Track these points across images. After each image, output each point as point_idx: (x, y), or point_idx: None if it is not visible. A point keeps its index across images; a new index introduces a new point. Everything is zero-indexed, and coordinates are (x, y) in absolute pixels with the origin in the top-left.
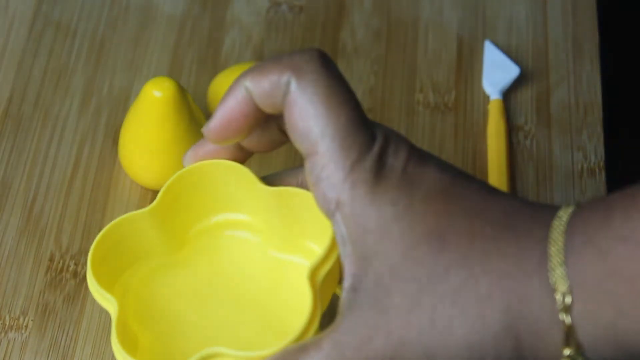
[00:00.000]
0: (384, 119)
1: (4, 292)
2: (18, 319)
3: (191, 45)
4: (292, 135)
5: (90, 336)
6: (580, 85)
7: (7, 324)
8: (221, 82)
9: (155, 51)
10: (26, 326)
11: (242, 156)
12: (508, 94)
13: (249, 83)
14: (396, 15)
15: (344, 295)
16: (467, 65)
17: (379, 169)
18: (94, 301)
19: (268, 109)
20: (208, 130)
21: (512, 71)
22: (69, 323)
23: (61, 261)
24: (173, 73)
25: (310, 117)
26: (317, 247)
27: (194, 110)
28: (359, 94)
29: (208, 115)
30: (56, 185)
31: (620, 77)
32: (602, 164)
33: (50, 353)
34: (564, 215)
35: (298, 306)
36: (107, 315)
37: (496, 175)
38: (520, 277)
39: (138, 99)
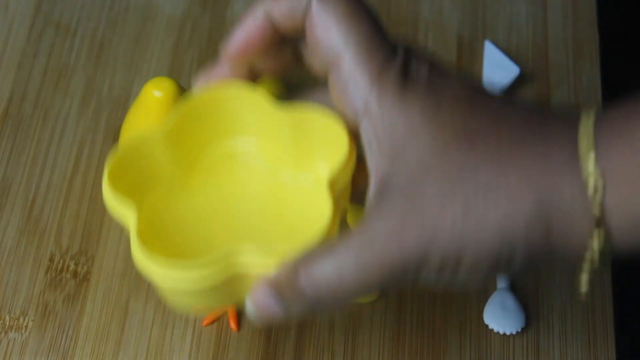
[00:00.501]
0: None
1: (4, 292)
2: (18, 319)
3: (191, 45)
4: (316, 51)
5: (90, 336)
6: (580, 85)
7: (7, 324)
8: None
9: (155, 51)
10: (26, 326)
11: (253, 79)
12: (508, 94)
13: (268, 4)
14: (396, 15)
15: (370, 200)
16: (467, 65)
17: (404, 77)
18: (94, 301)
19: (287, 28)
20: (226, 48)
21: (512, 71)
22: (69, 323)
23: (61, 261)
24: (173, 73)
25: (333, 30)
26: (328, 167)
27: None
28: None
29: None
30: (56, 185)
31: (620, 77)
32: None
33: (50, 353)
34: (590, 112)
35: (316, 217)
36: (107, 315)
37: None
38: (550, 171)
39: (138, 99)
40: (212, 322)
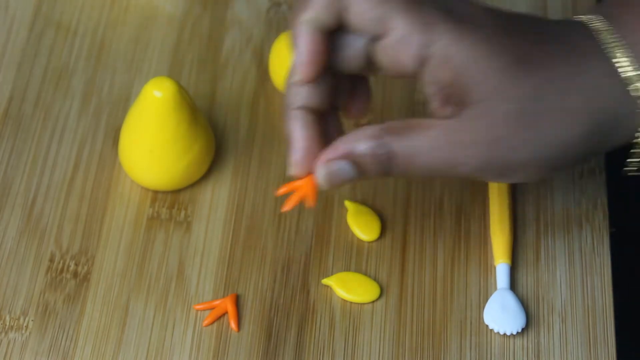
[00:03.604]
0: (384, 118)
1: (4, 293)
2: (18, 319)
3: (191, 45)
4: (362, 23)
5: (90, 336)
6: None
7: (8, 324)
8: (283, 44)
9: (155, 51)
10: (26, 326)
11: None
12: None
13: (305, 16)
14: None
15: (435, 106)
16: None
17: (451, 17)
18: (94, 301)
19: (333, 24)
20: (298, 67)
21: None
22: (69, 323)
23: (61, 261)
24: (173, 73)
25: (373, 5)
26: None
27: (194, 110)
28: None
29: (216, 110)
30: (56, 185)
31: None
32: (602, 164)
33: (51, 353)
34: (595, 21)
35: None
36: (107, 315)
37: None
38: (597, 82)
39: (138, 99)
40: (212, 322)
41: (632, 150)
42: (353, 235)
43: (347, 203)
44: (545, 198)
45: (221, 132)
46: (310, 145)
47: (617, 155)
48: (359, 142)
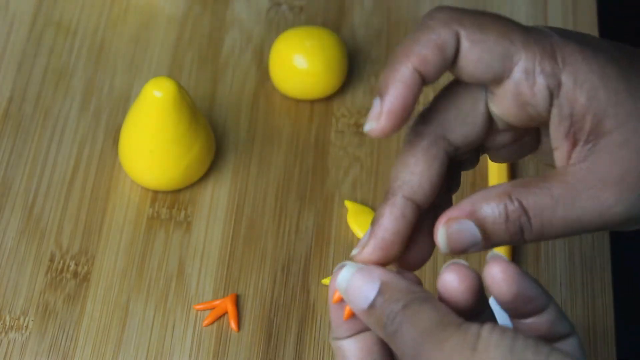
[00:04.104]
0: None
1: (4, 293)
2: (18, 319)
3: (191, 45)
4: (479, 67)
5: (90, 336)
6: None
7: (8, 324)
8: (283, 44)
9: (155, 51)
10: (26, 326)
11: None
12: None
13: (412, 57)
14: (396, 15)
15: (564, 150)
16: None
17: (573, 41)
18: (94, 301)
19: (435, 70)
20: (380, 114)
21: None
22: (69, 323)
23: (61, 261)
24: (173, 73)
25: (487, 51)
26: None
27: (194, 110)
28: (360, 94)
29: (216, 110)
30: (56, 185)
31: None
32: None
33: (51, 353)
34: None
35: None
36: (107, 315)
37: (496, 174)
38: None
39: (138, 99)
40: (212, 322)
41: None
42: (353, 235)
43: (347, 203)
44: None
45: (221, 132)
46: (396, 241)
47: None
48: (486, 199)
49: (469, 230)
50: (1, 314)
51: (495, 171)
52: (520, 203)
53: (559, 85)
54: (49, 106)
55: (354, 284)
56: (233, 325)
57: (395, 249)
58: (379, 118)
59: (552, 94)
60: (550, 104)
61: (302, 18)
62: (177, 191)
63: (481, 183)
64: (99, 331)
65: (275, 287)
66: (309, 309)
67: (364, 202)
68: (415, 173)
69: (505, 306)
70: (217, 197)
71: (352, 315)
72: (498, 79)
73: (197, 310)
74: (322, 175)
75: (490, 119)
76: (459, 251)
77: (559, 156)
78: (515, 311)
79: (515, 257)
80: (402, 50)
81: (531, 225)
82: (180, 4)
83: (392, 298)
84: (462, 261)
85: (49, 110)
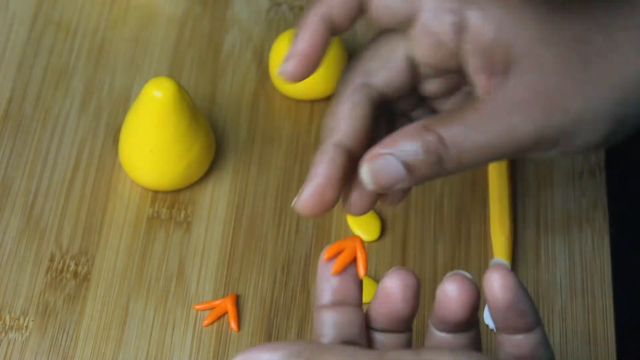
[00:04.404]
0: None
1: (4, 293)
2: (18, 319)
3: (191, 45)
4: (387, 11)
5: (90, 336)
6: None
7: (8, 324)
8: (283, 44)
9: (155, 51)
10: (26, 326)
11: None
12: None
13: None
14: None
15: (489, 82)
16: None
17: None
18: (94, 301)
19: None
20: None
21: None
22: (69, 323)
23: (61, 261)
24: (173, 73)
25: None
26: None
27: (194, 110)
28: None
29: (216, 110)
30: (56, 185)
31: None
32: (602, 164)
33: (51, 353)
34: None
35: None
36: (107, 315)
37: (496, 174)
38: None
39: (138, 99)
40: (212, 322)
41: None
42: (353, 235)
43: None
44: (545, 198)
45: (221, 132)
46: (329, 184)
47: (617, 155)
48: (405, 134)
49: (392, 165)
50: (1, 314)
51: (496, 170)
52: (437, 134)
53: (465, 21)
54: (49, 106)
55: None
56: (233, 325)
57: (330, 193)
58: (287, 61)
59: (460, 30)
60: (460, 41)
61: None
62: (177, 191)
63: (482, 182)
64: (99, 331)
65: (275, 287)
66: (309, 309)
67: None
68: (340, 119)
69: (497, 315)
70: (217, 197)
71: (340, 271)
72: (408, 21)
73: (197, 310)
74: None
75: (412, 63)
76: (385, 187)
77: (479, 92)
78: (506, 324)
79: (516, 257)
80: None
81: (449, 154)
82: (180, 4)
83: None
84: (466, 273)
85: (49, 110)
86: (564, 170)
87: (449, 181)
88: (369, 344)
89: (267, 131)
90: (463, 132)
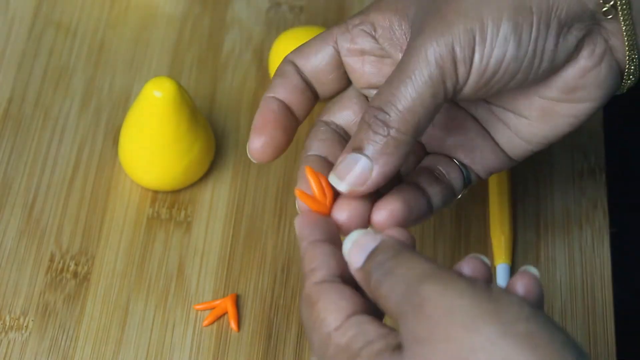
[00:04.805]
0: None
1: (4, 293)
2: (18, 319)
3: (191, 45)
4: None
5: (90, 336)
6: None
7: (8, 324)
8: (283, 44)
9: (155, 51)
10: (26, 326)
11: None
12: None
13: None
14: None
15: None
16: None
17: None
18: (94, 301)
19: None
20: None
21: None
22: (69, 323)
23: (61, 261)
24: (173, 73)
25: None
26: None
27: (194, 110)
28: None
29: (216, 110)
30: (56, 185)
31: None
32: (602, 164)
33: (51, 353)
34: None
35: None
36: (107, 315)
37: (496, 174)
38: None
39: (138, 99)
40: (212, 322)
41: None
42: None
43: None
44: (545, 198)
45: (221, 132)
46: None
47: (617, 155)
48: (353, 133)
49: (352, 159)
50: (1, 314)
51: None
52: (373, 106)
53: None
54: (49, 106)
55: (359, 240)
56: (233, 325)
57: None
58: (251, 144)
59: (372, 36)
60: (376, 43)
61: (302, 18)
62: (177, 191)
63: (482, 182)
64: (99, 331)
65: (275, 287)
66: None
67: None
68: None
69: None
70: (217, 197)
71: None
72: (340, 65)
73: (197, 310)
74: None
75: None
76: (358, 182)
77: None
78: None
79: (516, 257)
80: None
81: (387, 113)
82: (180, 4)
83: (385, 249)
84: (482, 256)
85: (49, 110)
86: (564, 170)
87: None
88: None
89: None
90: (389, 89)
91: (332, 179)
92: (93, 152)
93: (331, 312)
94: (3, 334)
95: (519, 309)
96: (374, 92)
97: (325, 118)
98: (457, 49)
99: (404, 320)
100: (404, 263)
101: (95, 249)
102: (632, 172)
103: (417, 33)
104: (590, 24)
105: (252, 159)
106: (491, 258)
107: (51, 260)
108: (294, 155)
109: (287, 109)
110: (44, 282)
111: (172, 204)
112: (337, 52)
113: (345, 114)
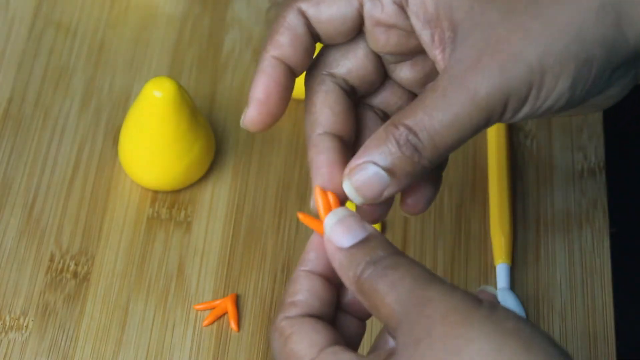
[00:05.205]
0: None
1: (4, 293)
2: (18, 319)
3: (191, 45)
4: (334, 26)
5: (90, 336)
6: None
7: (8, 324)
8: None
9: (155, 51)
10: (26, 326)
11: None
12: None
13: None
14: None
15: (442, 56)
16: None
17: None
18: (94, 301)
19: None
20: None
21: None
22: (69, 323)
23: (61, 261)
24: (173, 73)
25: (333, 7)
26: None
27: (194, 110)
28: None
29: (216, 110)
30: (56, 185)
31: None
32: (602, 164)
33: (51, 353)
34: None
35: None
36: (107, 315)
37: (496, 174)
38: None
39: (138, 99)
40: (212, 322)
41: None
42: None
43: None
44: (545, 198)
45: (221, 132)
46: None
47: (617, 155)
48: (375, 139)
49: (373, 171)
50: (1, 314)
51: (496, 170)
52: (404, 125)
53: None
54: (49, 106)
55: (346, 221)
56: (233, 325)
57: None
58: (246, 111)
59: (403, 9)
60: (407, 19)
61: None
62: (177, 191)
63: (482, 182)
64: (99, 331)
65: (275, 287)
66: None
67: None
68: (317, 112)
69: None
70: (217, 197)
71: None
72: (357, 24)
73: (197, 310)
74: None
75: (375, 55)
76: (373, 197)
77: (439, 68)
78: None
79: (515, 257)
80: (265, 42)
81: (421, 140)
82: (180, 4)
83: (383, 245)
84: (491, 287)
85: (49, 110)
86: (564, 170)
87: (449, 181)
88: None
89: (267, 131)
90: (428, 114)
91: (348, 189)
92: (93, 152)
93: (305, 346)
94: (3, 334)
95: (507, 312)
96: (389, 57)
97: (328, 70)
98: (511, 100)
99: (403, 318)
100: (404, 264)
101: (95, 249)
102: (632, 172)
103: (468, 59)
104: (633, 62)
105: (244, 127)
106: (491, 258)
107: (51, 260)
108: (294, 155)
109: (290, 72)
110: (44, 282)
111: (172, 204)
112: (360, 15)
113: (349, 63)
